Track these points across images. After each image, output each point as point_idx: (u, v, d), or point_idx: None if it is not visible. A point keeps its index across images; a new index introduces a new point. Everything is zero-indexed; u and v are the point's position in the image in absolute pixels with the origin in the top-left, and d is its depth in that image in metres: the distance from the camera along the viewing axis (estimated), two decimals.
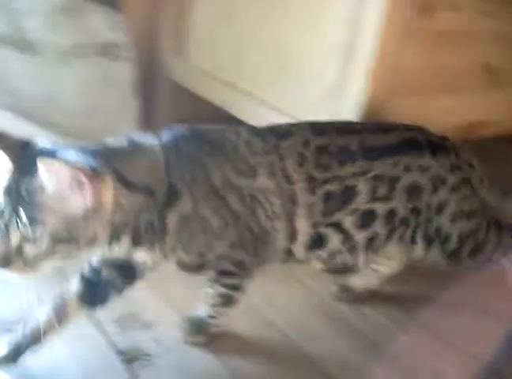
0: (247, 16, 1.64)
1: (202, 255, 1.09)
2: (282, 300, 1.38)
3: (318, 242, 1.15)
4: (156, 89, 1.97)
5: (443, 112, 1.52)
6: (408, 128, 1.25)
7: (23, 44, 1.55)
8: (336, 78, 1.38)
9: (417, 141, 1.21)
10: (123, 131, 1.74)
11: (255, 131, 1.14)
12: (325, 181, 1.11)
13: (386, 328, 1.34)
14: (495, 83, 1.60)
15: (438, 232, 1.22)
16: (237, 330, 1.26)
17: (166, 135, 1.07)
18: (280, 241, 1.13)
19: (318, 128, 1.17)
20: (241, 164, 1.08)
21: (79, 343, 1.17)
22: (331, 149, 1.13)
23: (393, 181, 1.16)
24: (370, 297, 1.41)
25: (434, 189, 1.19)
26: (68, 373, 1.11)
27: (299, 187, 1.10)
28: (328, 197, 1.12)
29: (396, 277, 1.40)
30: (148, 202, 1.00)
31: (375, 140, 1.18)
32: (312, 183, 1.11)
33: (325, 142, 1.14)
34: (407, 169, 1.17)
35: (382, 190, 1.15)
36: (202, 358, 1.18)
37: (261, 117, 1.58)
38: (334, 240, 1.15)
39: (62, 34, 1.60)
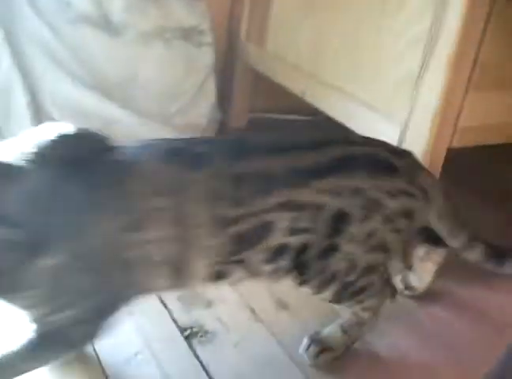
0: (326, 4, 1.63)
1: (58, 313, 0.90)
2: None
3: (219, 276, 0.99)
4: (233, 74, 1.99)
5: None
6: (350, 141, 1.09)
7: (106, 25, 1.59)
8: (415, 68, 1.35)
9: (354, 158, 1.03)
10: (201, 114, 1.79)
11: (166, 160, 0.93)
12: (237, 221, 0.94)
13: (455, 327, 1.31)
14: None
15: (350, 263, 1.04)
16: (301, 315, 1.26)
17: (49, 162, 0.85)
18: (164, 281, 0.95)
19: (240, 149, 0.99)
20: (128, 216, 0.88)
21: (142, 317, 1.20)
22: (250, 178, 0.95)
23: (318, 209, 0.98)
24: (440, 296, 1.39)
25: (365, 217, 1.01)
26: (130, 344, 1.14)
27: (200, 231, 0.92)
28: (237, 238, 0.94)
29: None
30: (11, 239, 0.81)
31: (304, 160, 1.00)
32: (219, 224, 0.93)
33: (243, 169, 0.95)
34: (336, 193, 0.99)
35: (302, 223, 0.98)
36: (261, 340, 1.19)
37: (340, 106, 1.58)
38: (237, 273, 1.00)
39: (144, 16, 1.63)
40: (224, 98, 1.97)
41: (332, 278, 1.04)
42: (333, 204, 0.99)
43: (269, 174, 0.96)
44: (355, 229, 1.01)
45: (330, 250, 1.01)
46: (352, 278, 1.05)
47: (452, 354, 1.22)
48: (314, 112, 1.78)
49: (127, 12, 1.62)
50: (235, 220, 0.94)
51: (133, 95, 1.62)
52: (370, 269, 1.07)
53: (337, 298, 1.08)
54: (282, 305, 1.29)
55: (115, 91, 1.61)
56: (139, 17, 1.63)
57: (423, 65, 1.33)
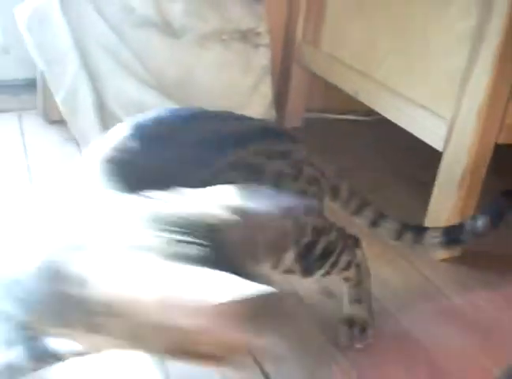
0: (376, 4, 1.68)
1: None
2: (387, 277, 1.40)
3: None
4: (290, 75, 2.05)
5: None
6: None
7: (167, 29, 1.68)
8: (462, 66, 1.37)
9: (272, 128, 1.12)
10: (256, 113, 1.86)
11: None
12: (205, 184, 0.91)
13: (498, 318, 1.32)
14: None
15: (297, 223, 1.05)
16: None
17: None
18: None
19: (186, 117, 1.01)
20: None
21: None
22: (207, 140, 0.97)
23: (259, 171, 1.01)
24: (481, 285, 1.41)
25: (296, 177, 1.06)
26: None
27: None
28: None
29: None
30: None
31: (232, 127, 1.03)
32: None
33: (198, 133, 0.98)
34: (268, 156, 1.03)
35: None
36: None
37: (390, 105, 1.62)
38: None
39: (202, 20, 1.72)
40: (280, 97, 2.03)
41: None
42: (269, 165, 1.02)
43: (219, 136, 0.99)
44: (291, 186, 1.04)
45: None
46: (306, 240, 1.07)
47: (489, 343, 1.24)
48: (370, 112, 1.83)
49: (187, 16, 1.71)
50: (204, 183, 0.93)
51: (190, 94, 1.70)
52: (320, 231, 1.09)
53: (305, 266, 1.09)
54: (327, 293, 1.33)
55: (174, 91, 1.69)
56: (198, 21, 1.71)
57: (470, 62, 1.35)
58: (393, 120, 1.60)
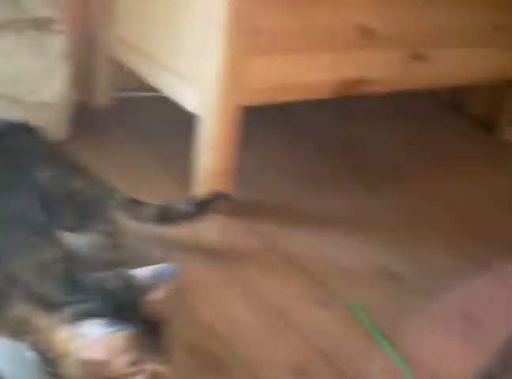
0: None
1: None
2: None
3: None
4: (92, 58, 2.18)
5: (313, 70, 1.69)
6: None
7: None
8: (202, 37, 1.59)
9: (17, 123, 1.29)
10: (53, 94, 1.98)
11: None
12: None
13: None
14: (372, 42, 1.74)
15: None
16: None
17: None
18: None
19: None
20: None
21: None
22: None
23: (26, 152, 1.22)
24: None
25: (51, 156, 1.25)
26: None
27: None
28: None
29: None
30: None
31: None
32: None
33: None
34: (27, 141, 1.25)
35: None
36: None
37: (163, 80, 1.80)
38: None
39: None
40: (84, 79, 2.16)
41: None
42: (28, 149, 1.22)
43: None
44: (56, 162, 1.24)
45: None
46: None
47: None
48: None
49: None
50: None
51: None
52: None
53: None
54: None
55: None
56: None
57: (206, 34, 1.55)
58: (166, 93, 1.77)
